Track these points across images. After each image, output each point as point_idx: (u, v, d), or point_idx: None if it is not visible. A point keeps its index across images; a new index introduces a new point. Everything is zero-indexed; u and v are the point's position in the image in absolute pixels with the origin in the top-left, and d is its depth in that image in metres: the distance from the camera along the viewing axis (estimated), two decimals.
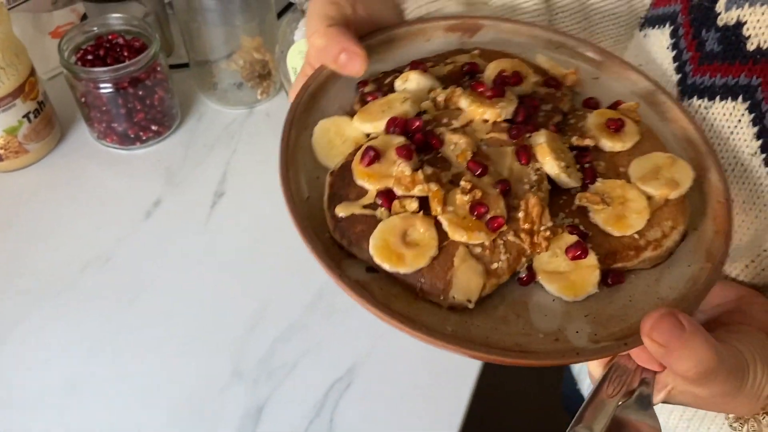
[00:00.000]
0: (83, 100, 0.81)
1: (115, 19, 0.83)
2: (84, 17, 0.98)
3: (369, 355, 0.68)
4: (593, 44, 0.52)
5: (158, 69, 0.82)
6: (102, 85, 0.79)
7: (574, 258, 0.40)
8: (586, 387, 0.81)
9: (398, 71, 0.48)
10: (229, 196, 0.81)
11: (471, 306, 0.38)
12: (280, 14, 0.94)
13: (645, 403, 0.39)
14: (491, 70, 0.48)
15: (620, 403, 0.39)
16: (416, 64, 0.48)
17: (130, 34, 0.84)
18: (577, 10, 0.60)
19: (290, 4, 0.82)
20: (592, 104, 0.49)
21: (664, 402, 0.40)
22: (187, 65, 0.92)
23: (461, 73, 0.49)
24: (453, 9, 0.55)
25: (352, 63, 0.45)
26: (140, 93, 0.81)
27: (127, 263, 0.75)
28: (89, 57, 0.82)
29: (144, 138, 0.85)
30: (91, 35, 0.83)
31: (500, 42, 0.52)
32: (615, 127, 0.45)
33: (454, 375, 0.66)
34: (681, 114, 0.48)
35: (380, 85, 0.47)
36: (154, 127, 0.85)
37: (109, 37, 0.83)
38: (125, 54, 0.82)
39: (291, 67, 0.81)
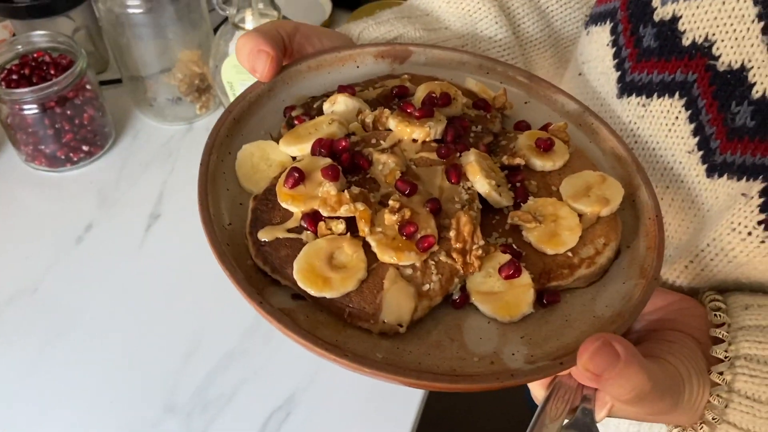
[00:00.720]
0: (8, 121, 0.77)
1: (40, 36, 0.80)
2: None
3: (310, 382, 0.65)
4: (522, 69, 0.52)
5: (87, 86, 0.78)
6: (26, 106, 0.75)
7: (507, 277, 0.39)
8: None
9: (327, 96, 0.47)
10: (165, 217, 0.78)
11: (402, 330, 0.37)
12: (216, 29, 0.90)
13: (588, 421, 0.38)
14: (421, 92, 0.47)
15: (565, 422, 0.37)
16: (344, 88, 0.47)
17: (57, 52, 0.80)
18: (542, 39, 0.60)
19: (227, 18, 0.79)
20: (523, 127, 0.48)
21: (607, 416, 0.39)
22: (121, 81, 0.88)
23: (391, 96, 0.48)
24: (412, 36, 0.55)
25: (260, 59, 0.45)
26: (68, 112, 0.77)
27: (55, 294, 0.71)
28: (14, 77, 0.78)
29: (75, 159, 0.81)
30: (15, 54, 0.79)
31: (431, 68, 0.52)
32: (544, 147, 0.45)
33: (399, 401, 0.64)
34: (609, 134, 0.47)
35: (308, 109, 0.46)
36: (85, 148, 0.81)
37: (35, 55, 0.80)
38: (52, 72, 0.79)
39: (226, 81, 0.78)
